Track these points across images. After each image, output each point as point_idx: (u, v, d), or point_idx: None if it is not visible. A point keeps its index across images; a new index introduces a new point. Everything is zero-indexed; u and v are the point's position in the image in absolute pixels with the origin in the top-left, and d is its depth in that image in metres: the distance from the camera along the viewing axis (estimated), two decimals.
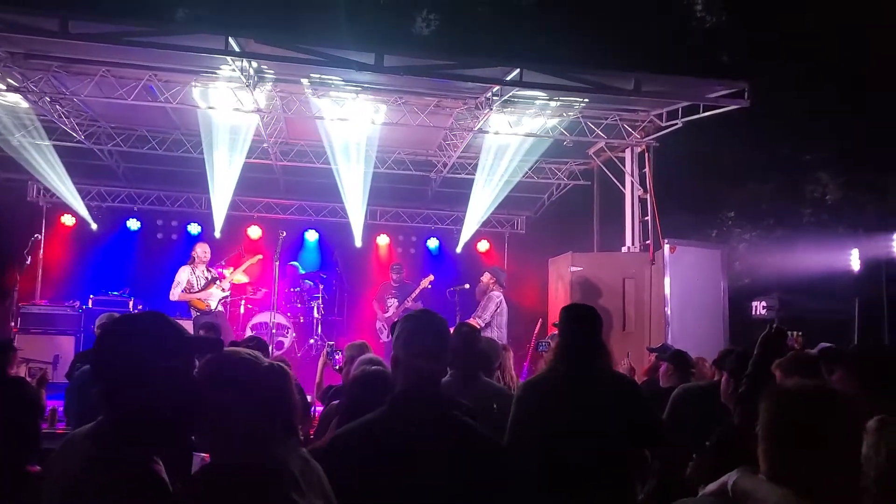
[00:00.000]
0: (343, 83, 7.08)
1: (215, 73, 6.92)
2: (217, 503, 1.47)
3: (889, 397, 2.39)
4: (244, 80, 6.65)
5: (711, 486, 1.56)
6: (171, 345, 1.53)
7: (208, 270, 8.26)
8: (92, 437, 1.50)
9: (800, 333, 2.82)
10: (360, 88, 7.15)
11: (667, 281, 7.57)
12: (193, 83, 7.04)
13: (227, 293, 8.33)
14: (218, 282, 8.20)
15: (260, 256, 8.63)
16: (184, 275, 8.13)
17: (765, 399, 1.55)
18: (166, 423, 1.50)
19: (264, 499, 1.47)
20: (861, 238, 10.38)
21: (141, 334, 1.55)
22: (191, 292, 8.03)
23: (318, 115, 7.57)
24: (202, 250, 8.31)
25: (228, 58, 6.21)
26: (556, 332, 3.02)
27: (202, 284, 8.13)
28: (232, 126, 8.03)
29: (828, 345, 3.43)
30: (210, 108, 7.30)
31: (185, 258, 8.36)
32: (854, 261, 10.27)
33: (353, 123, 7.62)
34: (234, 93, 7.12)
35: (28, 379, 4.89)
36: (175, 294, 8.01)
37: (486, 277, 7.68)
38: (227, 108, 7.31)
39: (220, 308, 8.23)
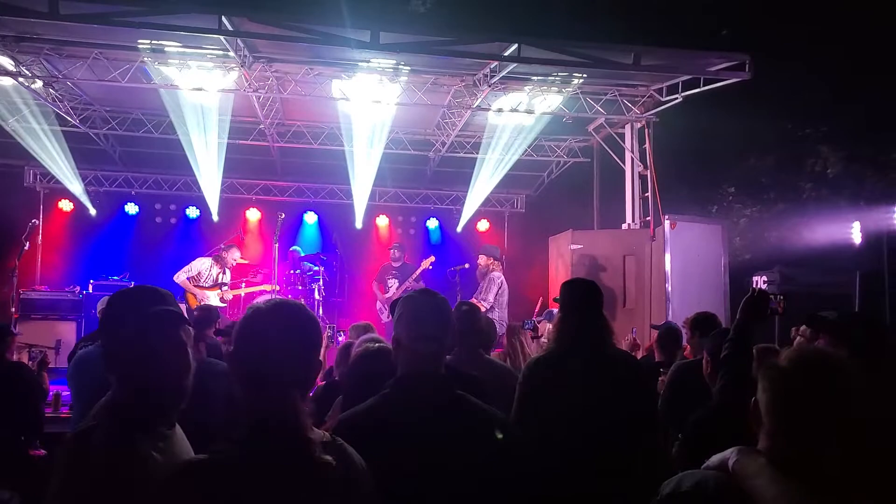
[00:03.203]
0: (342, 62, 6.98)
1: (208, 54, 6.82)
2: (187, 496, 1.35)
3: (876, 364, 2.37)
4: (238, 60, 6.57)
5: (713, 461, 1.47)
6: (132, 326, 1.60)
7: (224, 273, 8.21)
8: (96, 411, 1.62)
9: (782, 297, 2.77)
10: (355, 66, 7.06)
11: (667, 257, 7.56)
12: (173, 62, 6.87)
13: (224, 305, 8.17)
14: (221, 290, 8.14)
15: (276, 287, 8.22)
16: (199, 265, 8.10)
17: (766, 375, 1.42)
18: (151, 401, 1.59)
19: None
20: (862, 211, 10.33)
21: (110, 319, 1.68)
22: (195, 284, 7.98)
23: (312, 94, 7.49)
24: (232, 257, 8.26)
25: (222, 37, 6.12)
26: (552, 309, 2.98)
27: (208, 284, 8.08)
28: (203, 107, 7.84)
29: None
30: (199, 89, 7.20)
31: (185, 242, 8.30)
32: (855, 234, 10.23)
33: (363, 104, 7.53)
34: (209, 73, 6.96)
35: (28, 363, 4.89)
36: (180, 277, 7.98)
37: (482, 259, 7.62)
38: (215, 89, 7.22)
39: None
